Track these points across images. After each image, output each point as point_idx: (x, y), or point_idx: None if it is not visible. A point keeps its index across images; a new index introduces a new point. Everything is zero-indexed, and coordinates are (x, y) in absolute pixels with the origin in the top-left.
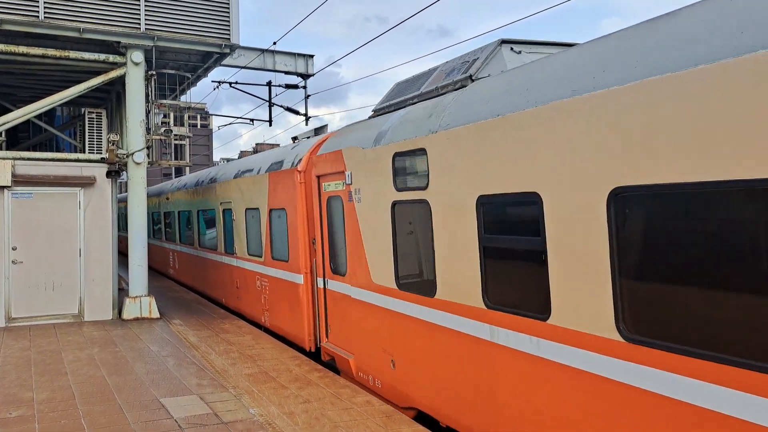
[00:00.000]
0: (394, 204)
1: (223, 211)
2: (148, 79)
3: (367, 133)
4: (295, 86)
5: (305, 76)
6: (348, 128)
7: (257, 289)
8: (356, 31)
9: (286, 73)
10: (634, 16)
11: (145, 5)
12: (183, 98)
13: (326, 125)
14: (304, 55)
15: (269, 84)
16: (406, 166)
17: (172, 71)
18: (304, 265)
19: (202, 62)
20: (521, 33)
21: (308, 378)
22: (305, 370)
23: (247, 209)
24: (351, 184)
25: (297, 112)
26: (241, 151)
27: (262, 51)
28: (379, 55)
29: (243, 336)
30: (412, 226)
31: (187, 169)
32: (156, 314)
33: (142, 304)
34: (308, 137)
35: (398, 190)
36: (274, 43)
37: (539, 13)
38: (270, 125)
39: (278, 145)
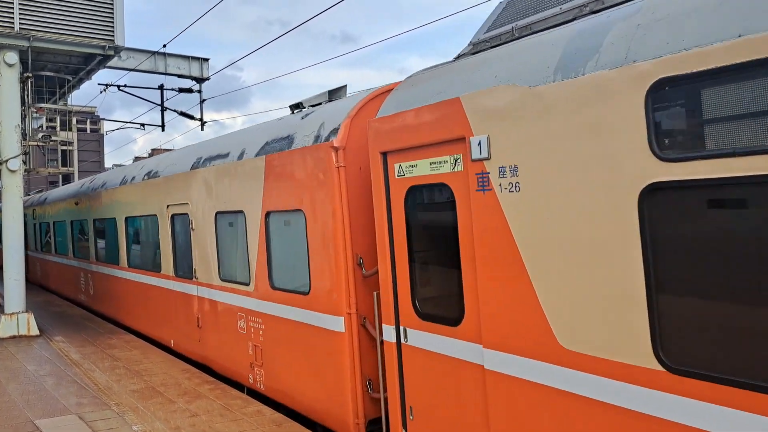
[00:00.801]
0: (650, 190)
1: (172, 217)
2: (24, 81)
3: (529, 58)
4: (189, 90)
5: (200, 80)
6: (444, 69)
7: (240, 333)
8: (258, 34)
9: (180, 76)
10: None
11: (20, 3)
12: (71, 101)
13: (345, 86)
14: (198, 58)
15: (161, 87)
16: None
17: (52, 74)
18: (347, 301)
19: (84, 64)
20: (424, 41)
21: (198, 391)
22: (195, 383)
23: (218, 213)
24: (488, 158)
25: (192, 117)
26: (136, 157)
27: (153, 53)
28: (283, 60)
29: (131, 351)
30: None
31: (76, 175)
32: (35, 331)
33: (19, 321)
34: (321, 103)
35: (666, 159)
36: (164, 46)
37: (440, 20)
38: (163, 130)
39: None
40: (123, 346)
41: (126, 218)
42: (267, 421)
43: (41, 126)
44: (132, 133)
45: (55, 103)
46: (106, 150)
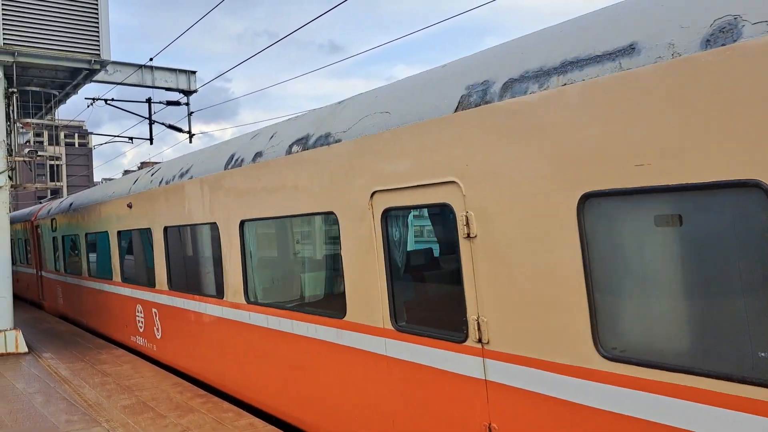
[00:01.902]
0: None
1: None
2: (9, 96)
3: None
4: (177, 103)
5: (187, 93)
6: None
7: None
8: (246, 46)
9: (167, 89)
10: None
11: (3, 18)
12: (58, 116)
13: None
14: (185, 71)
15: (149, 101)
16: None
17: (38, 89)
18: None
19: (70, 79)
20: (409, 49)
21: (189, 405)
22: (187, 397)
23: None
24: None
25: (180, 130)
26: (125, 170)
27: (140, 66)
28: (272, 71)
29: (121, 366)
30: None
31: (65, 190)
32: (23, 348)
33: (6, 338)
34: None
35: None
36: (151, 59)
37: (427, 29)
38: (151, 143)
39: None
40: (113, 361)
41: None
42: None
43: (28, 141)
44: (121, 147)
45: (41, 117)
46: (95, 164)
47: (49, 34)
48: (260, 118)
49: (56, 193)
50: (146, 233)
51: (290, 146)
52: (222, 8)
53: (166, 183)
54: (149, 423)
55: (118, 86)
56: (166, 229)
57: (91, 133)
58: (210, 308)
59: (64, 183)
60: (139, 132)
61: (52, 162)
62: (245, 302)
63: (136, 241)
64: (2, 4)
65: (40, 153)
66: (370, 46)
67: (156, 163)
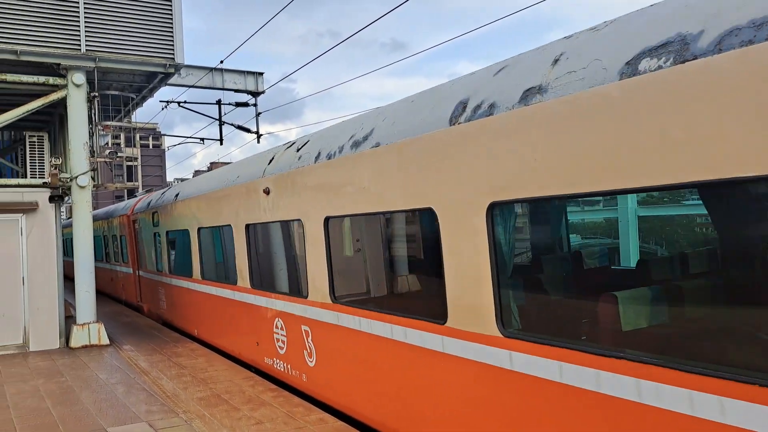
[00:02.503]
0: None
1: None
2: (90, 100)
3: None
4: (245, 104)
5: (255, 94)
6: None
7: None
8: (309, 47)
9: (236, 91)
10: (575, 27)
11: (86, 26)
12: (134, 118)
13: None
14: (253, 73)
15: (219, 102)
16: None
17: (116, 92)
18: None
19: (147, 82)
20: (472, 46)
21: (261, 399)
22: (259, 390)
23: None
24: None
25: (248, 130)
26: (195, 170)
27: (211, 69)
28: (335, 70)
29: (196, 359)
30: None
31: (140, 190)
32: (105, 341)
33: (90, 331)
34: None
35: None
36: (221, 62)
37: (488, 25)
38: (221, 144)
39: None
40: (188, 354)
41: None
42: (330, 429)
43: (107, 143)
44: (191, 148)
45: (120, 120)
46: (168, 165)
47: (127, 40)
48: (323, 117)
49: (133, 192)
50: (291, 227)
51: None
52: (285, 11)
53: (328, 158)
54: (224, 415)
55: (189, 89)
56: (327, 220)
57: (165, 135)
58: (430, 339)
59: (139, 183)
60: (208, 133)
61: (129, 163)
62: (500, 332)
63: (274, 238)
64: (85, 14)
65: (119, 154)
66: (433, 43)
67: (226, 163)
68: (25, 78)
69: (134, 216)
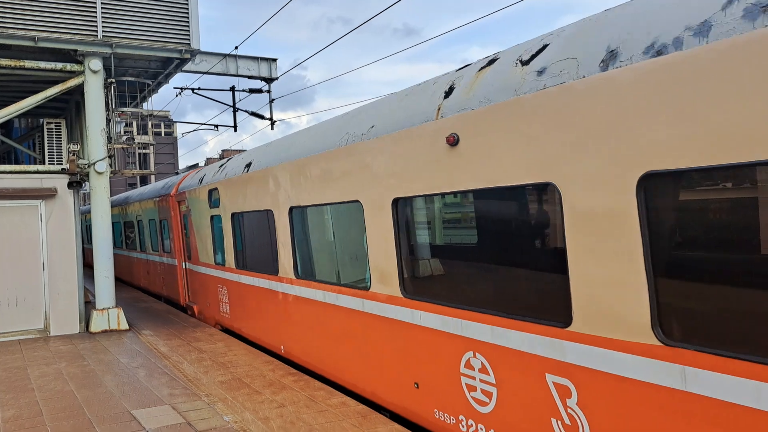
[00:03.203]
0: None
1: None
2: (107, 87)
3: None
4: (259, 90)
5: (269, 80)
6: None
7: None
8: (321, 33)
9: (250, 77)
10: (587, 12)
11: (102, 12)
12: (145, 106)
13: None
14: (267, 59)
15: (233, 89)
16: None
17: (132, 78)
18: None
19: (162, 68)
20: (484, 31)
21: (282, 382)
22: (279, 374)
23: None
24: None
25: (262, 117)
26: (208, 158)
27: (225, 56)
28: (347, 57)
29: (215, 344)
30: None
31: (152, 178)
32: (125, 326)
33: (110, 316)
34: None
35: None
36: (236, 48)
37: (501, 11)
38: (235, 131)
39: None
40: (207, 339)
41: None
42: (352, 412)
43: (121, 130)
44: (203, 135)
45: (136, 107)
46: (180, 152)
47: (144, 26)
48: (335, 104)
49: (146, 179)
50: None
51: None
52: None
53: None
54: (246, 398)
55: (202, 77)
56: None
57: (178, 122)
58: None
59: (152, 170)
60: (221, 120)
61: (142, 151)
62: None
63: (465, 217)
64: (102, 0)
65: (137, 141)
66: (445, 29)
67: (238, 150)
68: (43, 65)
69: (179, 197)
